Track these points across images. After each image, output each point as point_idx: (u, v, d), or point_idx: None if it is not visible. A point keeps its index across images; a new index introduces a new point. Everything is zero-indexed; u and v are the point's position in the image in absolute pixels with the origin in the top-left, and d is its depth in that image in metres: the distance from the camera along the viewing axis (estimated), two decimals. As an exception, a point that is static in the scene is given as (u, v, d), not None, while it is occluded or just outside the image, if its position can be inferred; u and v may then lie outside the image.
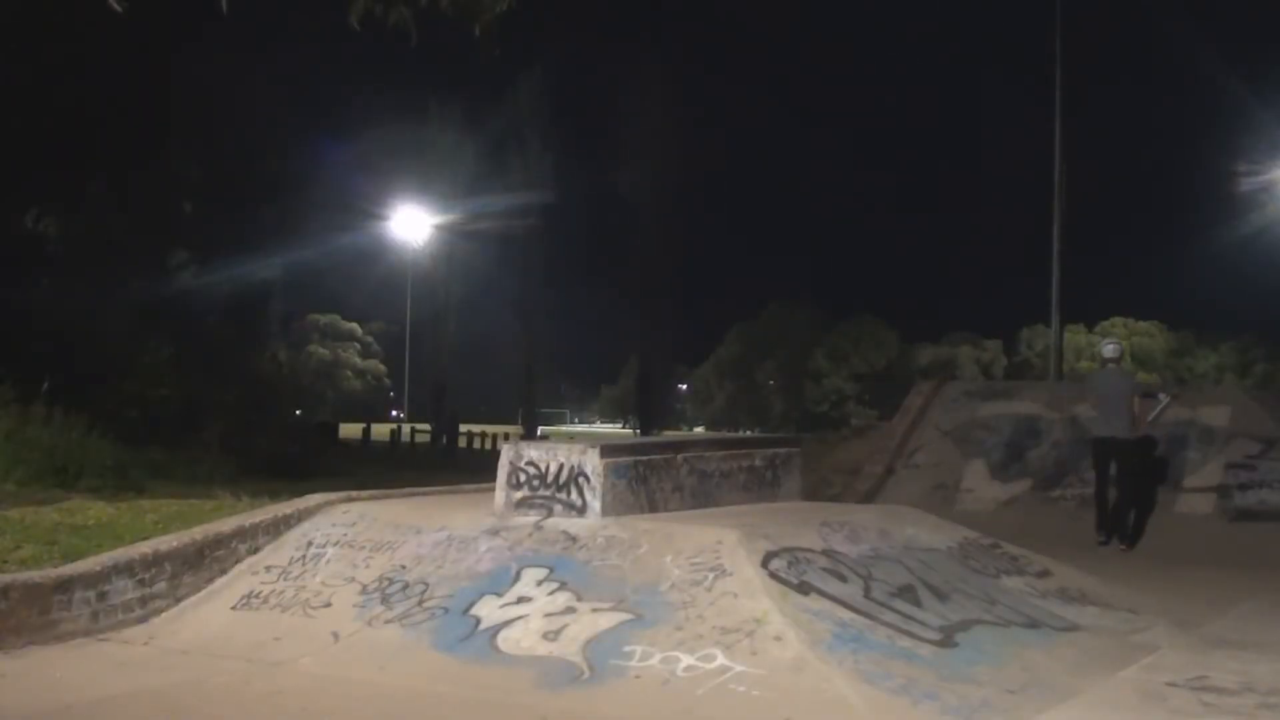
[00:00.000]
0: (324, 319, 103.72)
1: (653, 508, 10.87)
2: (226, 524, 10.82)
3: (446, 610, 9.10)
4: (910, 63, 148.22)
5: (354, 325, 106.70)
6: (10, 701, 7.57)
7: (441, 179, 51.53)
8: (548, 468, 10.62)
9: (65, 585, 9.15)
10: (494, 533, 10.16)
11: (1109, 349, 17.40)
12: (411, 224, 53.65)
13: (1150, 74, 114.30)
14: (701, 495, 11.60)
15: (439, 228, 52.85)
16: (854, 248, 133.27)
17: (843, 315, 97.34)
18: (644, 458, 11.03)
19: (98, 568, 9.49)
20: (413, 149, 50.48)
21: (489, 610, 8.98)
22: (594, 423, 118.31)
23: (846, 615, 8.57)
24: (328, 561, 10.32)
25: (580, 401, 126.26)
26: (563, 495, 10.47)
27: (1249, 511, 17.01)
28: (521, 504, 10.62)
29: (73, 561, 9.62)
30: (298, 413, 26.12)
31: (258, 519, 10.99)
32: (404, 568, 9.90)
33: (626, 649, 8.14)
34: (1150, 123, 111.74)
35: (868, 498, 19.10)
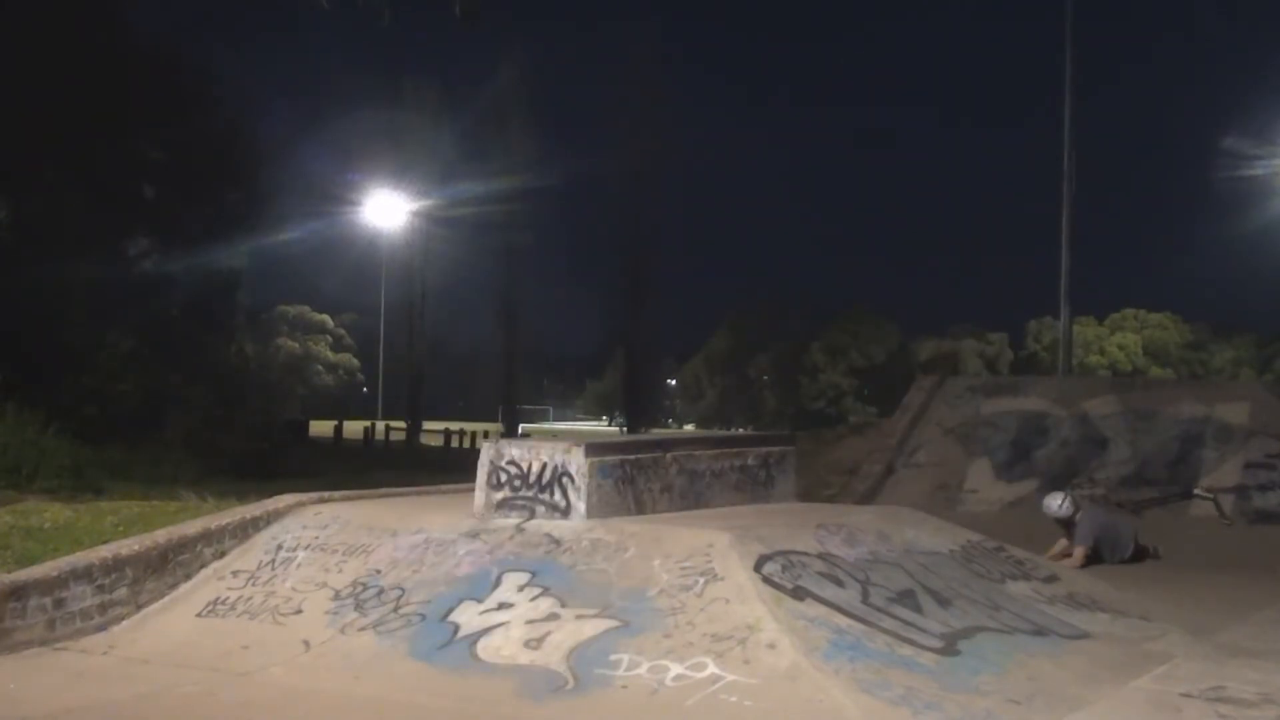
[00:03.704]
0: (293, 310, 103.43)
1: (640, 509, 10.88)
2: (191, 527, 10.81)
3: (424, 617, 9.11)
4: (917, 47, 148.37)
5: (325, 317, 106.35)
6: (-38, 714, 7.57)
7: (419, 164, 51.40)
8: (530, 467, 10.64)
9: (19, 592, 9.14)
10: (473, 535, 10.17)
11: None
12: (387, 211, 53.57)
13: (1165, 60, 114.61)
14: (692, 496, 11.62)
15: (416, 214, 52.74)
16: (854, 239, 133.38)
17: (840, 307, 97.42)
18: (631, 456, 11.04)
19: (54, 573, 9.48)
20: (389, 133, 50.43)
21: (468, 617, 8.99)
22: (579, 420, 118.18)
23: (844, 622, 8.59)
24: (298, 566, 10.32)
25: (564, 398, 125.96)
26: (545, 496, 10.49)
27: (1269, 513, 17.08)
28: (502, 505, 10.63)
29: (27, 567, 9.61)
30: (266, 409, 26.06)
31: (224, 521, 10.98)
32: (379, 572, 9.91)
33: (613, 657, 8.16)
34: (1166, 108, 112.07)
35: (866, 498, 19.14)
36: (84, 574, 9.63)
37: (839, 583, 9.34)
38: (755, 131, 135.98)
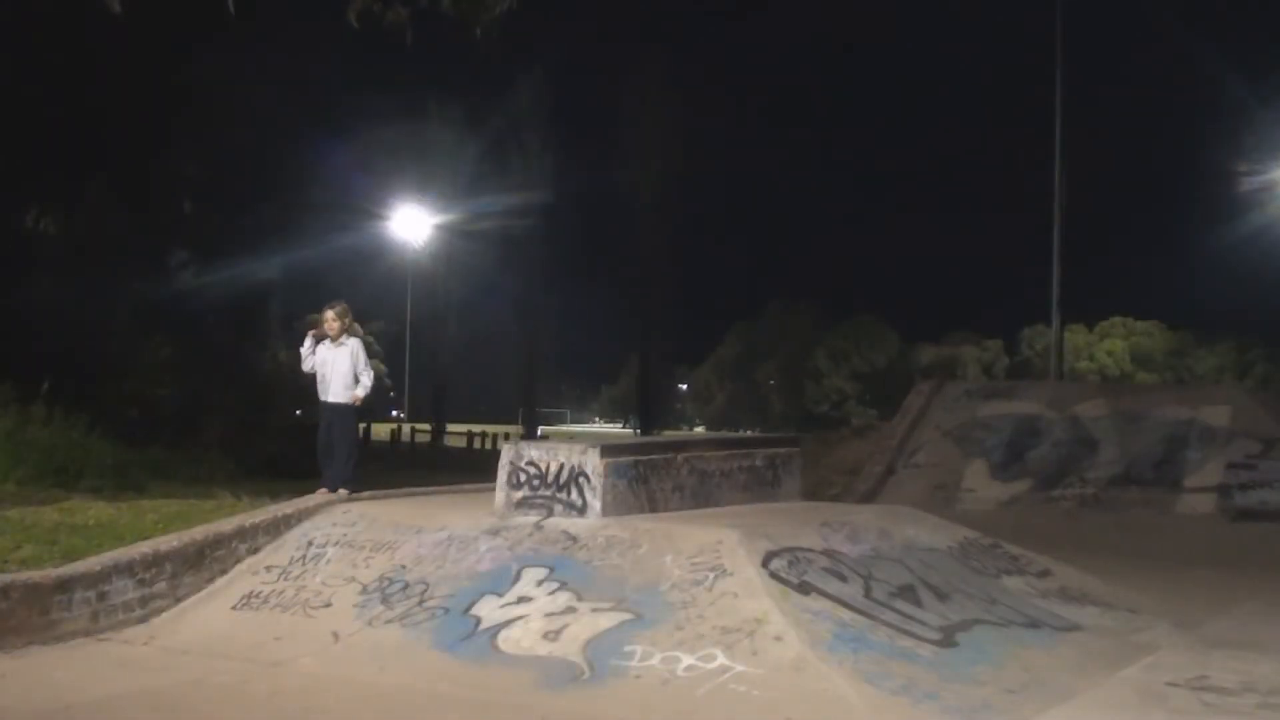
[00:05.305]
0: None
1: (653, 507, 10.87)
2: (227, 524, 10.82)
3: (447, 610, 9.11)
4: (912, 63, 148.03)
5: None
6: (11, 701, 7.58)
7: (441, 179, 51.45)
8: (548, 468, 10.63)
9: (65, 585, 9.16)
10: (494, 532, 10.17)
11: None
12: (411, 224, 53.70)
13: (1151, 74, 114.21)
14: (702, 495, 11.61)
15: (439, 227, 52.85)
16: (855, 248, 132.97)
17: (843, 315, 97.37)
18: (644, 458, 11.04)
19: (98, 568, 9.50)
20: (413, 149, 50.44)
21: (489, 610, 8.98)
22: (594, 422, 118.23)
23: (847, 615, 8.58)
24: (328, 561, 10.33)
25: (580, 401, 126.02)
26: (563, 495, 10.48)
27: (1250, 511, 17.04)
28: (522, 504, 10.63)
29: (73, 561, 9.63)
30: (298, 413, 26.04)
31: (258, 519, 11.00)
32: (404, 567, 9.91)
33: (627, 649, 8.15)
34: (1151, 123, 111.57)
35: (868, 498, 19.11)
36: (126, 568, 9.65)
37: (842, 578, 9.32)
38: (758, 141, 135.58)
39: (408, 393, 65.41)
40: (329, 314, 12.15)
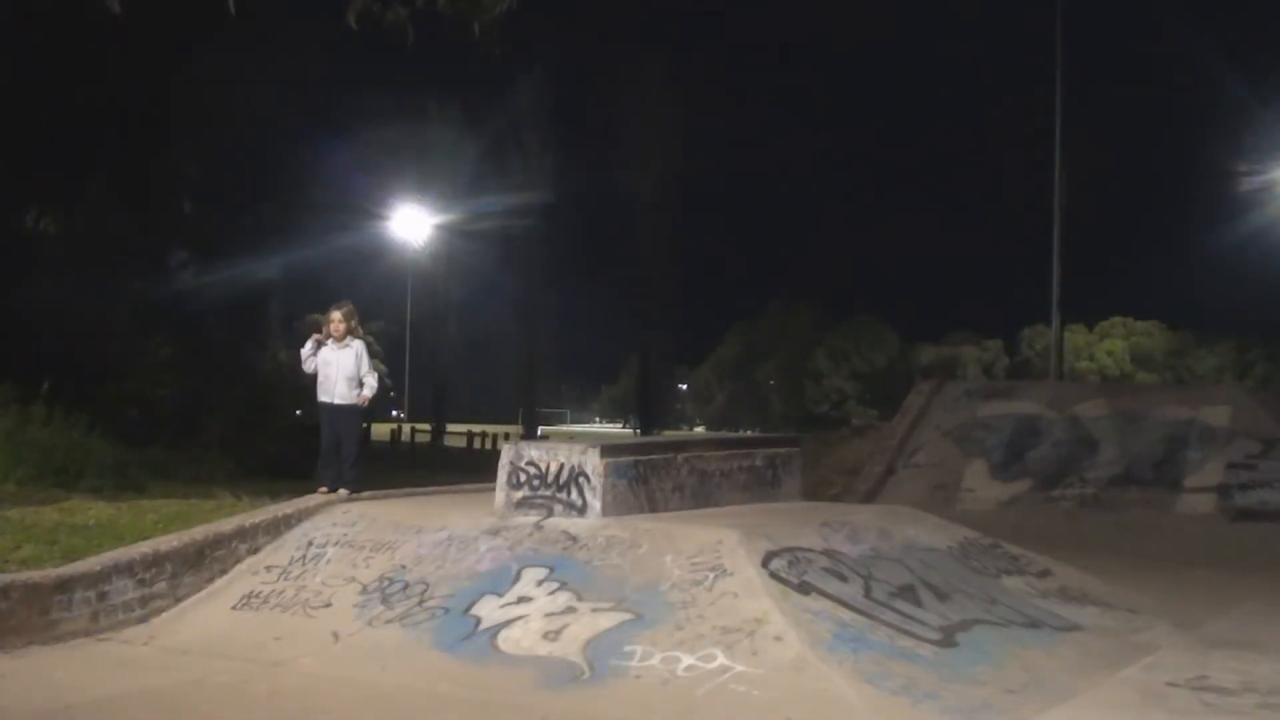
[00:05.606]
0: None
1: (653, 507, 10.87)
2: (227, 524, 10.82)
3: (447, 610, 9.11)
4: (913, 63, 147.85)
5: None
6: (11, 701, 7.58)
7: (441, 179, 51.41)
8: (548, 468, 10.63)
9: (65, 585, 9.16)
10: (494, 533, 10.17)
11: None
12: (411, 224, 53.73)
13: (1151, 74, 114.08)
14: (702, 495, 11.61)
15: (439, 228, 52.84)
16: (855, 248, 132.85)
17: (843, 315, 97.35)
18: (644, 458, 11.04)
19: (98, 567, 9.50)
20: (413, 149, 50.41)
21: (489, 610, 8.98)
22: (594, 422, 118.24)
23: (847, 615, 8.58)
24: (328, 561, 10.33)
25: (580, 401, 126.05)
26: (563, 495, 10.48)
27: (1250, 511, 17.05)
28: (522, 504, 10.63)
29: (73, 561, 9.63)
30: (298, 413, 26.01)
31: (258, 519, 11.00)
32: (404, 568, 9.91)
33: (627, 649, 8.15)
34: (1151, 123, 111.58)
35: (868, 498, 19.11)
36: (126, 568, 9.65)
37: (842, 578, 9.32)
38: (758, 140, 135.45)
39: (408, 393, 65.44)
40: (336, 315, 12.14)
